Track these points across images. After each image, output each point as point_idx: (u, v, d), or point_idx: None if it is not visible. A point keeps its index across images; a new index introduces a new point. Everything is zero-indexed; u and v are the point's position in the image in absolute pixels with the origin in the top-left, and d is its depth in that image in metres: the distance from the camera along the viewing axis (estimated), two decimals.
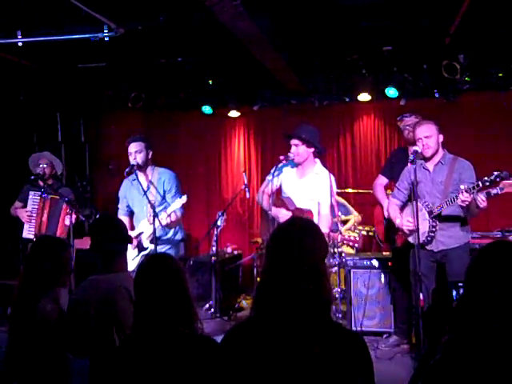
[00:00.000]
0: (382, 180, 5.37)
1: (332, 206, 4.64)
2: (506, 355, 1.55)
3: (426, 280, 4.15)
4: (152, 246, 4.58)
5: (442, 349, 1.67)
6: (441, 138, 4.29)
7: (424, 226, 4.18)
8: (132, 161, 4.79)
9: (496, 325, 1.58)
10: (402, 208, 4.57)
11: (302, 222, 1.91)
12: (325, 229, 4.43)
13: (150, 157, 4.89)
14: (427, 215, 4.21)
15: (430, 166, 4.34)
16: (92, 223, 3.23)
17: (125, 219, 4.89)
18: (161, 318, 2.16)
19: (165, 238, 4.83)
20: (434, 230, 4.21)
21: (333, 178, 4.69)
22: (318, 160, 4.73)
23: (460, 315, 1.67)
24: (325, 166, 4.86)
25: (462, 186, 3.89)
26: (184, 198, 4.65)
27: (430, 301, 3.97)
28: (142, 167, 4.84)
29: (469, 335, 1.61)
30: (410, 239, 4.36)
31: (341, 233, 4.88)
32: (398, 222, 4.47)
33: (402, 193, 4.52)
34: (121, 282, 2.88)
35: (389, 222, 4.95)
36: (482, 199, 3.86)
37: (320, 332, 1.73)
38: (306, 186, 4.65)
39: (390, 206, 4.64)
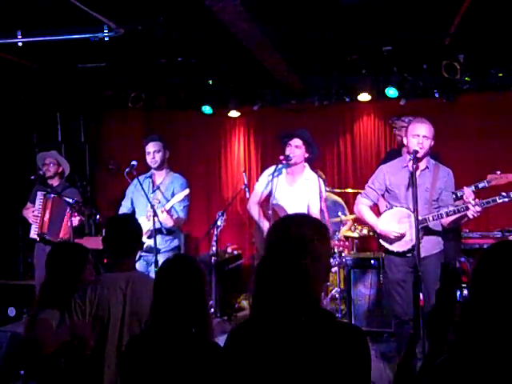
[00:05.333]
0: None
1: (322, 211, 4.64)
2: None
3: (406, 286, 4.01)
4: (149, 241, 4.58)
5: (448, 349, 1.67)
6: (432, 143, 4.02)
7: (412, 234, 3.85)
8: (150, 160, 4.86)
9: (503, 326, 1.58)
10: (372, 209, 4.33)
11: (302, 215, 2.01)
12: None
13: (167, 156, 4.93)
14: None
15: (416, 170, 3.98)
16: (106, 223, 3.24)
17: None
18: (177, 319, 2.18)
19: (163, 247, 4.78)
20: (421, 238, 3.91)
21: (322, 182, 4.68)
22: (306, 164, 4.72)
23: (466, 316, 1.66)
24: (313, 169, 4.86)
25: (471, 200, 3.73)
26: (186, 191, 4.69)
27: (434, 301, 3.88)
28: (160, 167, 4.91)
29: (476, 336, 1.61)
30: (392, 247, 4.09)
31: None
32: (381, 227, 4.11)
33: (376, 193, 4.22)
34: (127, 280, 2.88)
35: None
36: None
37: (318, 324, 1.75)
38: (297, 192, 4.65)
39: (363, 208, 4.27)
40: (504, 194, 3.75)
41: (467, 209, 3.76)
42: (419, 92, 6.63)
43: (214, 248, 6.25)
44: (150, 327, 2.26)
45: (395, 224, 4.06)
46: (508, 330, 1.58)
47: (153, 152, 4.86)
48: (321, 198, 4.62)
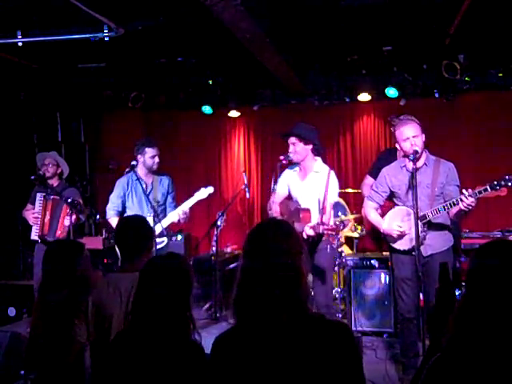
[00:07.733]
0: (369, 180, 5.35)
1: (334, 203, 4.60)
2: (506, 355, 1.56)
3: (412, 284, 4.02)
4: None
5: (442, 348, 1.68)
6: (423, 137, 4.04)
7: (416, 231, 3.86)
8: (155, 163, 4.96)
9: (497, 325, 1.59)
10: (378, 211, 4.40)
11: (272, 225, 2.01)
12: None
13: None
14: (418, 220, 3.93)
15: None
16: (117, 223, 3.26)
17: (115, 220, 4.89)
18: (155, 317, 2.17)
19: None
20: (424, 234, 3.99)
21: (333, 175, 4.54)
22: (318, 158, 4.63)
23: (462, 315, 1.67)
24: (326, 162, 4.81)
25: (464, 191, 3.74)
26: (211, 189, 4.93)
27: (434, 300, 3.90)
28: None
29: (470, 334, 1.62)
30: (396, 245, 4.15)
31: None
32: (384, 226, 4.20)
33: (380, 195, 4.28)
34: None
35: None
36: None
37: (303, 326, 1.79)
38: (309, 186, 4.61)
39: (370, 210, 4.37)
40: (495, 182, 3.75)
41: (461, 200, 3.77)
42: (419, 92, 6.63)
43: (213, 248, 6.24)
44: (130, 323, 2.25)
45: (398, 223, 4.11)
46: (500, 329, 1.59)
47: (158, 156, 4.99)
48: (332, 190, 4.43)
